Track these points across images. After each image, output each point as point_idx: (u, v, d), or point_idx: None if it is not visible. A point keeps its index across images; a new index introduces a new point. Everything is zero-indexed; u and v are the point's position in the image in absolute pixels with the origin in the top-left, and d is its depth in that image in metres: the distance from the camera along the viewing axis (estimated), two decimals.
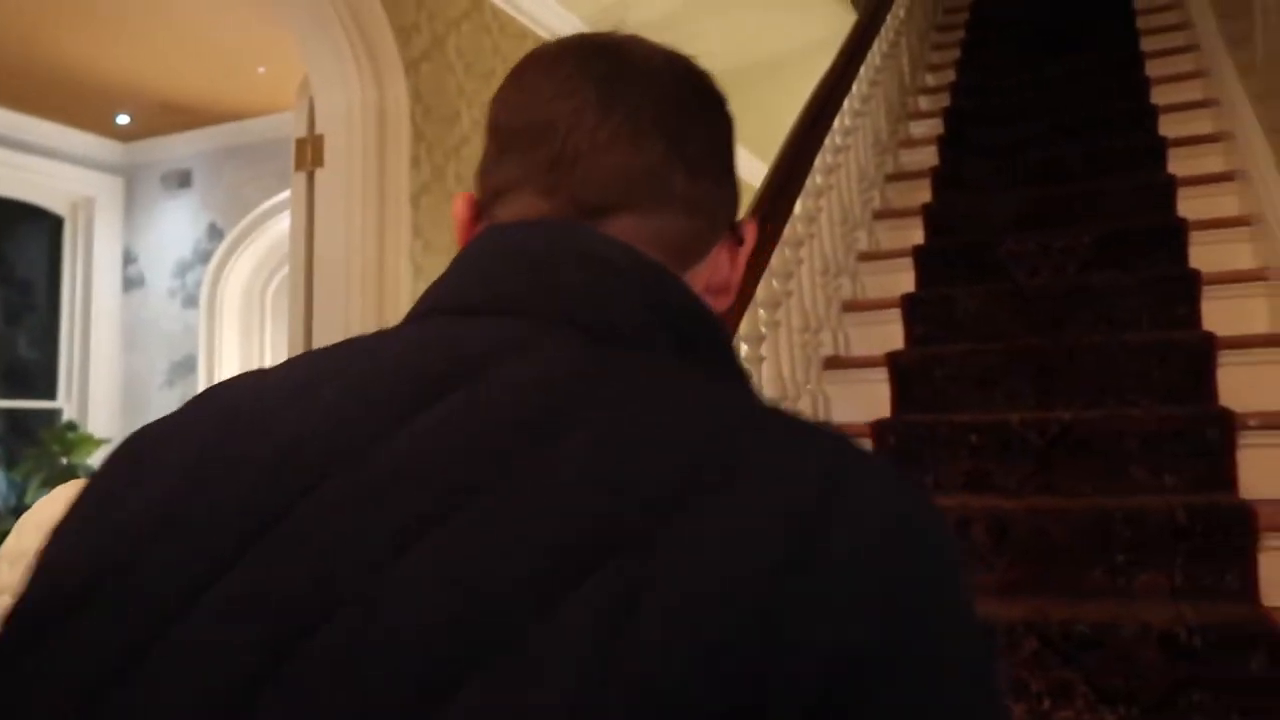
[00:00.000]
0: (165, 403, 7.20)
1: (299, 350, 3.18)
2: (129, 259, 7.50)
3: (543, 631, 0.36)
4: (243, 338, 7.07)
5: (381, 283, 3.23)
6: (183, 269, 7.23)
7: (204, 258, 7.10)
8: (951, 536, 0.47)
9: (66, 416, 6.91)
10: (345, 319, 3.10)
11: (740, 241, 0.64)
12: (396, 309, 3.12)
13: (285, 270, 7.09)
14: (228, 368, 6.92)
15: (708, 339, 0.55)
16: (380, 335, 0.54)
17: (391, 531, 0.41)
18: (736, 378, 0.57)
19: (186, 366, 7.10)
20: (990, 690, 0.43)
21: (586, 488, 0.41)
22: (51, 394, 7.14)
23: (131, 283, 7.47)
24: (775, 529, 0.40)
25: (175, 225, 7.28)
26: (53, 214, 7.23)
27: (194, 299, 7.12)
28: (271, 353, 6.99)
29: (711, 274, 0.61)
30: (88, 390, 7.12)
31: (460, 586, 0.38)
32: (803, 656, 0.37)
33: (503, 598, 0.38)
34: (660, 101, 0.58)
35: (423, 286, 0.64)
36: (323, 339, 3.09)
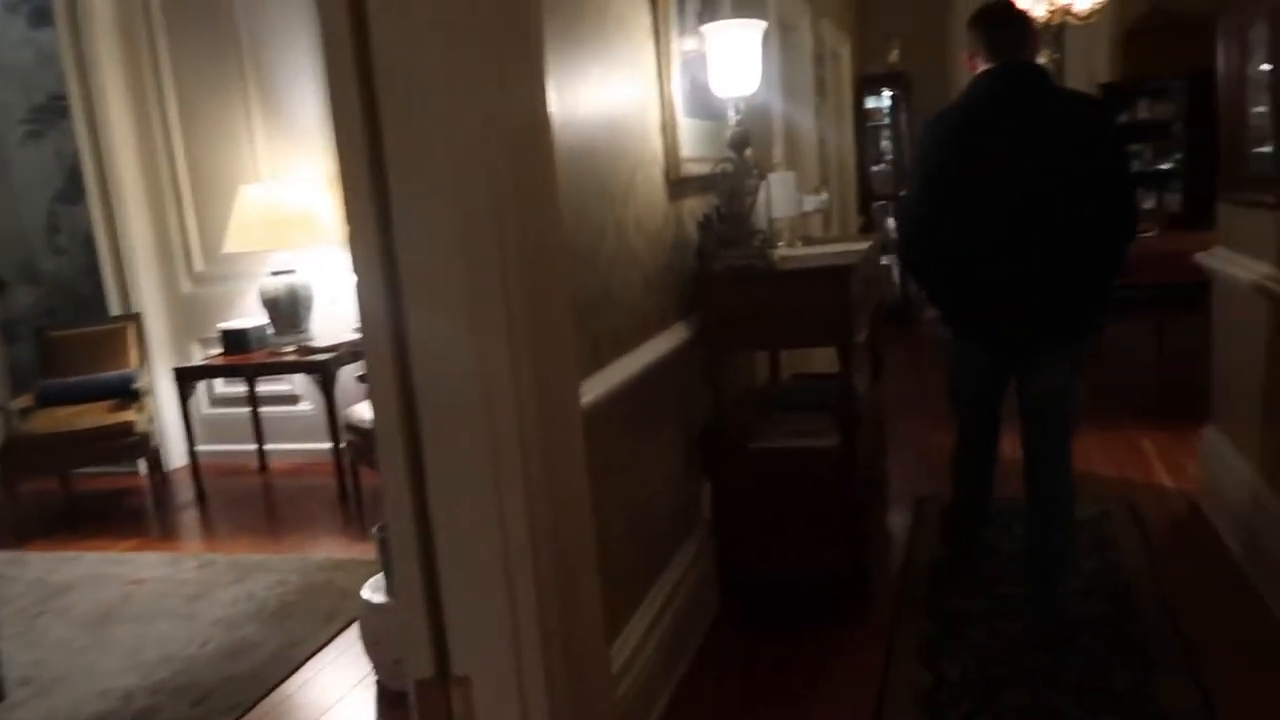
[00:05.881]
0: (29, 159, 5.31)
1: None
2: None
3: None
4: (127, 60, 5.05)
5: None
6: None
7: None
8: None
9: None
10: None
11: None
12: None
13: None
14: (114, 104, 4.98)
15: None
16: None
17: None
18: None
19: (54, 110, 5.17)
20: None
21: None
22: None
23: None
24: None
25: None
26: None
27: (45, 12, 5.05)
28: (173, 73, 5.02)
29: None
30: None
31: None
32: None
33: None
34: None
35: None
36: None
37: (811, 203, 3.78)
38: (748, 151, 2.86)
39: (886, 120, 8.07)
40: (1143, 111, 7.85)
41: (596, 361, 2.23)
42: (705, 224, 2.96)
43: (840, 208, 6.71)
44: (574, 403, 1.90)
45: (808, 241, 3.65)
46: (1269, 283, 2.71)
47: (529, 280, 1.67)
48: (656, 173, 2.72)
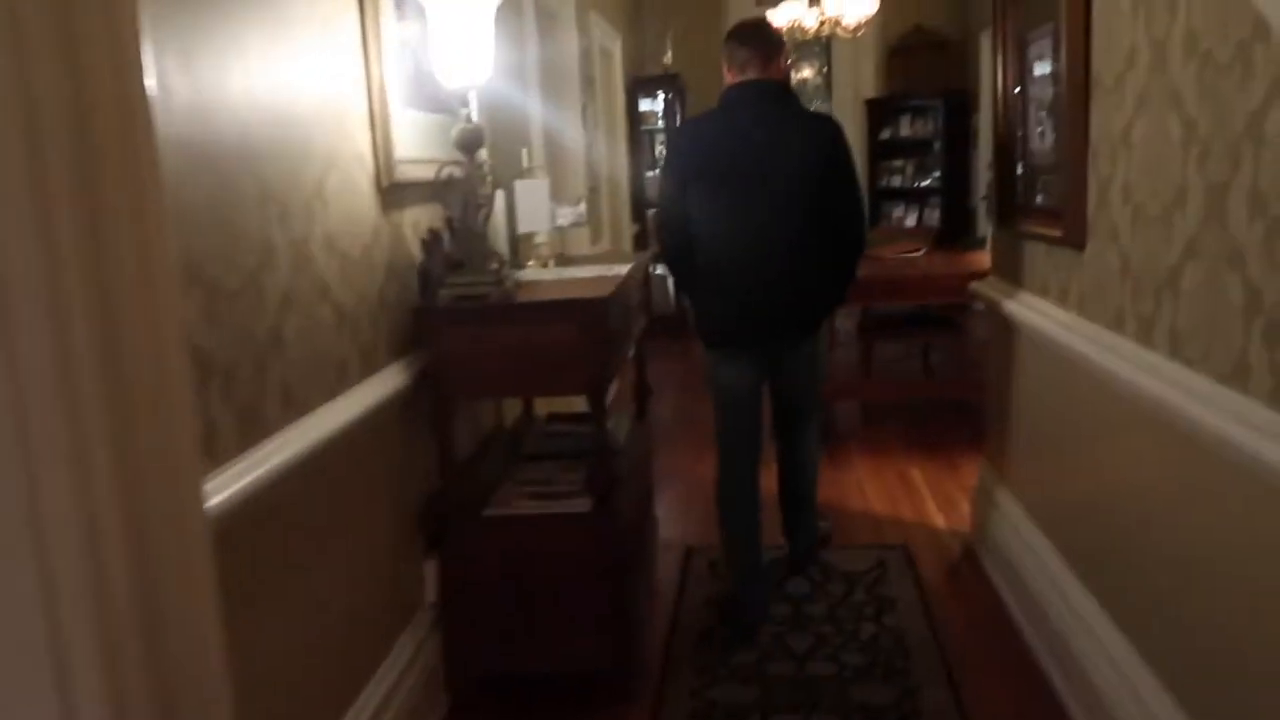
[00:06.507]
0: None
1: None
2: None
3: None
4: None
5: None
6: None
7: None
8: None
9: None
10: None
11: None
12: None
13: None
14: None
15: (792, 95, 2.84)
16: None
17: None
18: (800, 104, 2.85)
19: None
20: None
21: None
22: None
23: None
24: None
25: None
26: None
27: None
28: None
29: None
30: None
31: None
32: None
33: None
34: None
35: None
36: None
37: (568, 215, 3.32)
38: (481, 153, 2.33)
39: (660, 124, 7.78)
40: (904, 129, 8.02)
41: (252, 435, 1.63)
42: (431, 242, 2.42)
43: (611, 217, 6.33)
44: (193, 511, 1.29)
45: (564, 261, 3.18)
46: (1038, 319, 2.50)
47: (111, 336, 1.08)
48: (361, 176, 2.15)
